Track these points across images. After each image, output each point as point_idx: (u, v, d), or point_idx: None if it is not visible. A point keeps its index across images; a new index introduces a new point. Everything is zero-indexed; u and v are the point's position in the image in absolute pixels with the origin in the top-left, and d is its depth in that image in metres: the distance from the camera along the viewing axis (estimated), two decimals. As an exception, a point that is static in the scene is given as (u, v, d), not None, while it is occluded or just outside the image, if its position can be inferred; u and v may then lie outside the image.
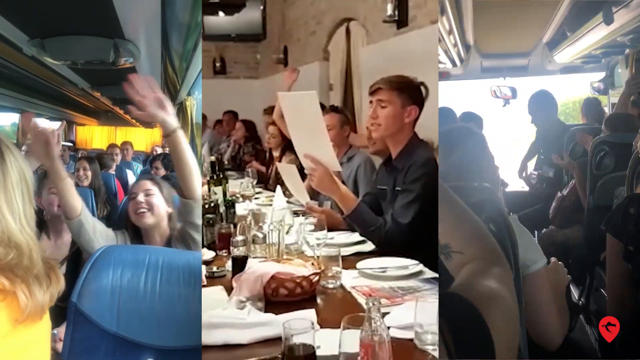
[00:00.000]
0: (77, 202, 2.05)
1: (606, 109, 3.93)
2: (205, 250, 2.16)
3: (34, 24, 2.33)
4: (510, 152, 4.05)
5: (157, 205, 2.20)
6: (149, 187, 2.23)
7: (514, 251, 1.24)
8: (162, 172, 4.76)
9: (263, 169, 4.67)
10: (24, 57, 2.94)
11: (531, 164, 3.90)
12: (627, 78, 3.57)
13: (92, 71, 3.30)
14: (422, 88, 2.29)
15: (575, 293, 2.26)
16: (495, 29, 3.34)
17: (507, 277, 0.97)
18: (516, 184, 3.90)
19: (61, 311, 1.09)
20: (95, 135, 11.01)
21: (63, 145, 7.81)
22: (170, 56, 2.98)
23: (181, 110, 4.73)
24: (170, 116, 1.78)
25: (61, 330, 1.62)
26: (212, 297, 1.70)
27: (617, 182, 2.37)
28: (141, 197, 2.20)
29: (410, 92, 2.26)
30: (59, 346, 1.59)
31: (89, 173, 4.04)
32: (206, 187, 3.00)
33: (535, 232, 3.09)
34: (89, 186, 3.95)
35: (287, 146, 4.29)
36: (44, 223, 2.57)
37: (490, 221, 1.21)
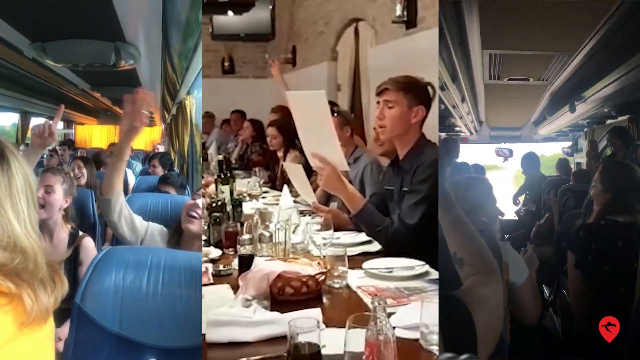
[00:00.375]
0: (117, 184, 2.11)
1: (572, 166, 5.67)
2: (211, 248, 2.16)
3: (36, 27, 2.33)
4: (508, 192, 5.77)
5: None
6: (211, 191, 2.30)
7: (500, 264, 1.74)
8: (160, 170, 4.73)
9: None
10: (25, 59, 2.94)
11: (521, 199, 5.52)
12: (585, 147, 5.33)
13: (92, 72, 3.31)
14: (429, 88, 2.29)
15: (546, 292, 3.18)
16: (499, 111, 4.99)
17: (498, 286, 1.33)
18: (510, 214, 5.39)
19: (61, 312, 1.10)
20: (94, 134, 11.00)
21: (62, 145, 7.83)
22: (170, 55, 2.99)
23: (180, 109, 4.71)
24: None
25: (60, 330, 1.63)
26: (218, 295, 1.71)
27: (576, 217, 3.36)
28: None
29: (417, 93, 2.26)
30: (59, 345, 1.60)
31: (84, 171, 4.07)
32: (213, 186, 3.01)
33: (521, 249, 3.95)
34: (85, 185, 3.97)
35: (289, 144, 4.30)
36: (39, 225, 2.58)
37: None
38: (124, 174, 2.16)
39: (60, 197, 2.51)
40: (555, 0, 2.07)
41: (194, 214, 2.20)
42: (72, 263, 2.40)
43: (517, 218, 5.30)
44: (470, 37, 2.54)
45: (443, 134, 5.87)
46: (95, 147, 9.44)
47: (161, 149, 7.86)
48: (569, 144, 6.09)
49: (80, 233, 2.57)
